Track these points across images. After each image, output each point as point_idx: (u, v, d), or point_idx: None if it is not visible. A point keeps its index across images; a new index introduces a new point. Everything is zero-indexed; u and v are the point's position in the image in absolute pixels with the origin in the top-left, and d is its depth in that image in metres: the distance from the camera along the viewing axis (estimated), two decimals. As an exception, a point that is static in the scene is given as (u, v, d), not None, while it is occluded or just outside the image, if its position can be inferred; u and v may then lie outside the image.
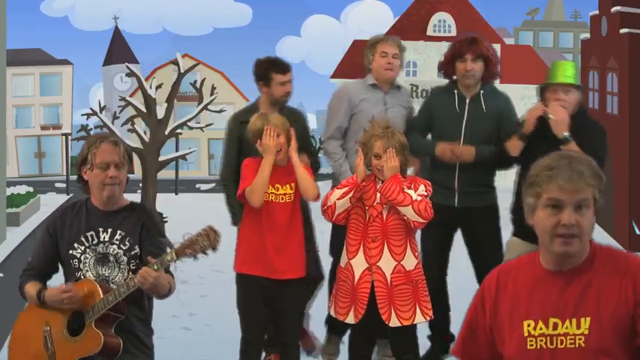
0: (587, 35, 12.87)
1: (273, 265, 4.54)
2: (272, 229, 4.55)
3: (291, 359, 4.73)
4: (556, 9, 56.55)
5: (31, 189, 20.98)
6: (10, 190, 18.32)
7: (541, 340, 2.49)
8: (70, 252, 3.69)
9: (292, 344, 4.72)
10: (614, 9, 11.57)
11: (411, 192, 4.40)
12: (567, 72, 4.83)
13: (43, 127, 44.57)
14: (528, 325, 2.51)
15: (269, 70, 5.23)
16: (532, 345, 2.50)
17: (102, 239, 3.68)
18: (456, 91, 5.16)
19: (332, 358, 5.21)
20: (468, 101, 5.13)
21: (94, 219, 3.71)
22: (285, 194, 4.57)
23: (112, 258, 3.67)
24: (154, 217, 3.80)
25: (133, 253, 3.66)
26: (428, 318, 4.52)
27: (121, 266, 3.65)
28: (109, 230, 3.68)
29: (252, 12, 58.77)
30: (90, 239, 3.69)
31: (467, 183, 5.13)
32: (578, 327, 2.46)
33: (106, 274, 3.66)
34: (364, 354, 4.66)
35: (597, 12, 12.38)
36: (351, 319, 4.52)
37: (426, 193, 4.46)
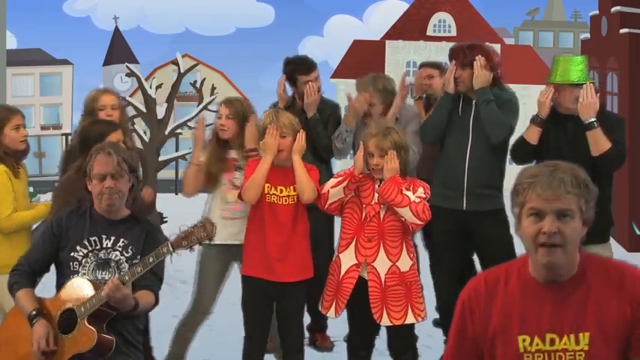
0: (587, 35, 12.86)
1: (276, 268, 4.54)
2: (275, 231, 4.54)
3: None
4: (556, 9, 56.55)
5: (31, 189, 21.00)
6: (10, 190, 18.29)
7: (538, 357, 2.46)
8: (72, 254, 3.69)
9: (295, 347, 4.70)
10: (614, 9, 11.56)
11: (409, 193, 4.40)
12: (571, 71, 4.77)
13: (43, 127, 44.58)
14: (524, 341, 2.47)
15: (294, 71, 5.66)
16: None
17: (104, 245, 3.70)
18: (462, 96, 5.19)
19: None
20: (474, 104, 5.14)
21: (98, 226, 3.73)
22: (288, 196, 4.56)
23: (112, 264, 3.68)
24: (157, 230, 3.83)
25: (134, 261, 3.67)
26: (420, 319, 4.52)
27: (122, 272, 3.65)
28: (112, 238, 3.71)
29: (275, 12, 58.83)
30: (93, 244, 3.70)
31: (476, 183, 5.08)
32: (577, 343, 2.43)
33: (106, 279, 3.65)
34: (364, 354, 4.66)
35: (597, 12, 12.37)
36: (332, 313, 4.53)
37: (424, 196, 4.45)
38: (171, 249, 3.51)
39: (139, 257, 3.66)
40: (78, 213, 3.79)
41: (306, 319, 5.81)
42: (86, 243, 3.69)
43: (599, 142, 4.67)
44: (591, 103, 4.67)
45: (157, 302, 3.72)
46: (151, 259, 3.50)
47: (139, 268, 3.52)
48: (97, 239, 3.70)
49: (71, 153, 4.91)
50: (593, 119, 4.66)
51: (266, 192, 4.54)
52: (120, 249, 3.69)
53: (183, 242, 3.50)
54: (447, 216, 5.12)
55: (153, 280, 3.65)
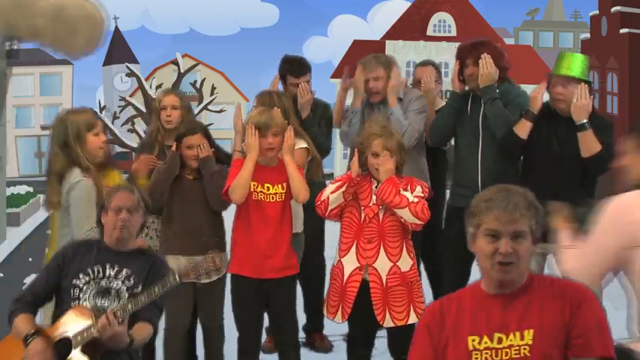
0: (587, 35, 12.88)
1: (264, 265, 4.53)
2: (264, 229, 4.52)
3: None
4: (556, 9, 56.55)
5: (31, 189, 20.95)
6: (10, 190, 18.31)
7: (486, 353, 2.62)
8: (74, 281, 3.72)
9: (291, 344, 4.70)
10: (614, 9, 11.58)
11: (407, 194, 4.39)
12: (572, 65, 4.80)
13: (43, 127, 44.52)
14: (473, 340, 2.64)
15: (286, 71, 5.70)
16: (477, 358, 2.62)
17: (107, 274, 3.73)
18: (471, 94, 5.19)
19: None
20: (482, 102, 5.12)
21: (104, 256, 3.78)
22: (276, 194, 4.55)
23: (113, 292, 3.71)
24: (162, 262, 3.86)
25: (135, 291, 3.69)
26: None
27: (121, 301, 3.67)
28: (116, 267, 3.74)
29: (279, 12, 58.71)
30: (95, 272, 3.73)
31: (491, 181, 5.02)
32: (522, 338, 2.61)
33: (105, 306, 3.67)
34: (364, 353, 4.66)
35: (597, 12, 12.38)
36: (338, 319, 4.53)
37: (422, 195, 4.44)
38: (178, 280, 3.54)
39: (140, 287, 3.68)
40: (85, 245, 3.85)
41: (302, 319, 5.82)
42: (89, 271, 3.73)
43: (590, 144, 4.69)
44: (585, 105, 4.69)
45: (155, 333, 3.75)
46: (156, 289, 3.53)
47: (143, 297, 3.54)
48: (100, 268, 3.74)
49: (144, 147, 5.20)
50: (585, 121, 4.68)
51: (252, 190, 4.51)
52: (122, 278, 3.72)
53: (190, 274, 3.54)
54: (462, 217, 5.10)
55: (153, 311, 3.67)
